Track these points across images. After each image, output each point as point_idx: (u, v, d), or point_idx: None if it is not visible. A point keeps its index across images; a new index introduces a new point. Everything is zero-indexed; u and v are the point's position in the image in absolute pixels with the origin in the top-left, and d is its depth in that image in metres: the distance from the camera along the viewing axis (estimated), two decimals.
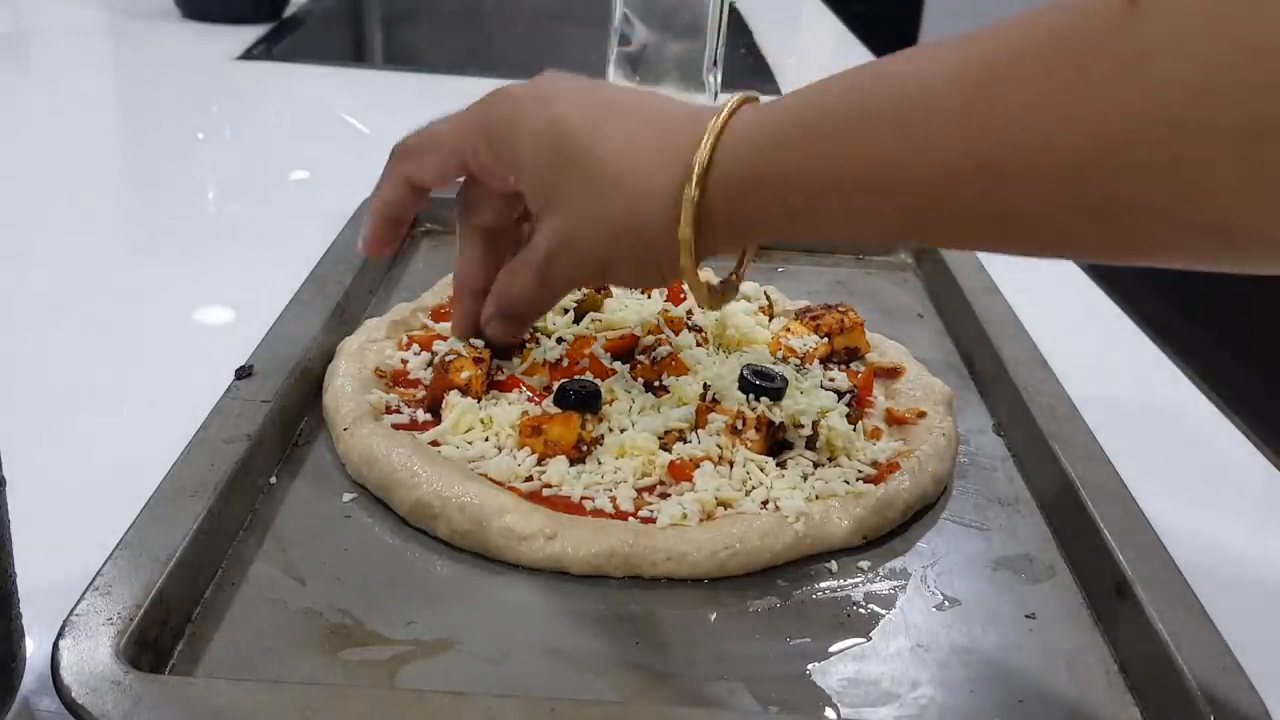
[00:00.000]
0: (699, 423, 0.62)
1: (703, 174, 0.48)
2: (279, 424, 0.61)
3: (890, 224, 0.46)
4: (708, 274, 0.65)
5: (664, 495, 0.58)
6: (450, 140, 0.58)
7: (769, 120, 0.48)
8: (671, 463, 0.59)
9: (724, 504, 0.58)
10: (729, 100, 0.50)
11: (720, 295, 0.57)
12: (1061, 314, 0.87)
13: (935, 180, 0.42)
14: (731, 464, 0.59)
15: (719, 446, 0.60)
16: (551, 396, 0.62)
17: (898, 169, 0.43)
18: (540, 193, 0.54)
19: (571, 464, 0.59)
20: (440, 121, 0.60)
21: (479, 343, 0.66)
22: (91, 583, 0.47)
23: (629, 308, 0.72)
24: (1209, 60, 0.34)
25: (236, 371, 0.63)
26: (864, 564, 0.57)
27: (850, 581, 0.56)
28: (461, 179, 0.61)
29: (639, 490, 0.58)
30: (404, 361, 0.68)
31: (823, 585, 0.56)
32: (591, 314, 0.71)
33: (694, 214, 0.48)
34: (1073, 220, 0.40)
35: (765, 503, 0.58)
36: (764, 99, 0.50)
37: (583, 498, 0.58)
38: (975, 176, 0.41)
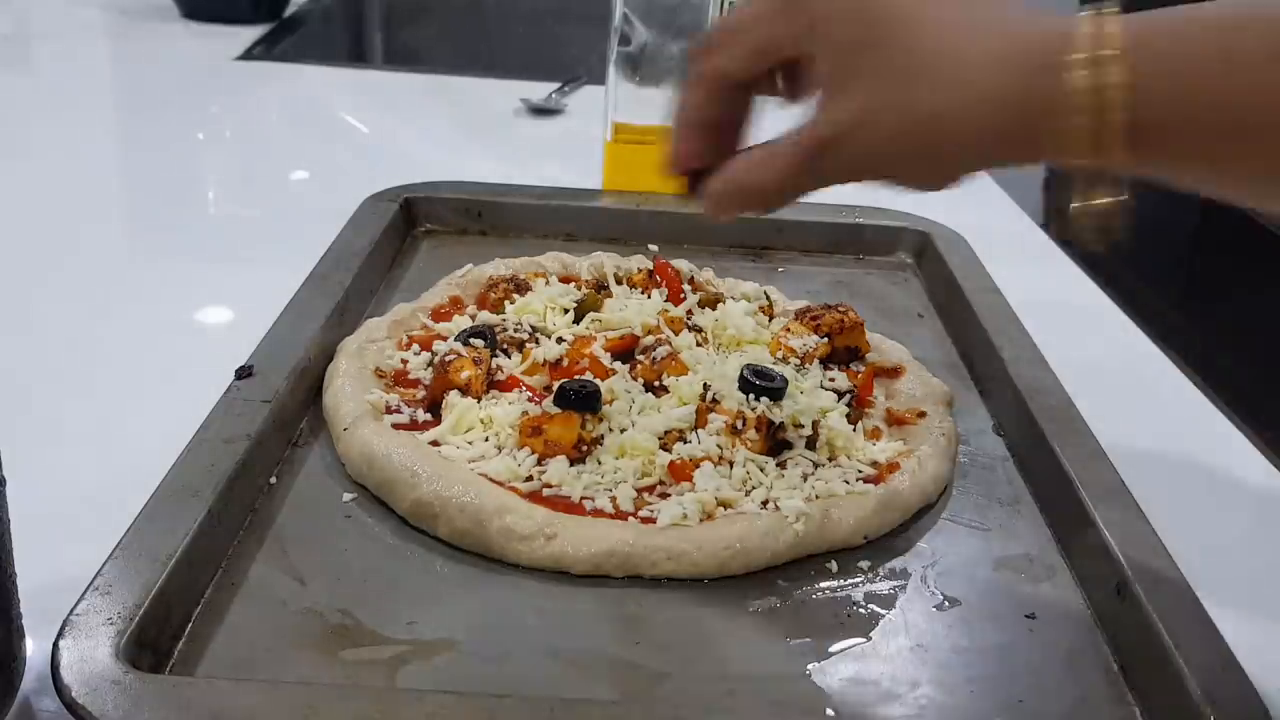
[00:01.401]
0: (699, 423, 0.62)
1: (1102, 70, 0.40)
2: (279, 424, 0.61)
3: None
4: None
5: (664, 495, 0.58)
6: (752, 22, 0.49)
7: (1183, 36, 0.41)
8: (671, 463, 0.59)
9: (724, 504, 0.58)
10: (1101, 7, 0.42)
11: (1100, 228, 0.46)
12: (1061, 314, 0.87)
13: None
14: (731, 464, 0.59)
15: (719, 446, 0.60)
16: (551, 396, 0.62)
17: None
18: (839, 66, 0.46)
19: (571, 464, 0.59)
20: (741, 6, 0.51)
21: (479, 342, 0.66)
22: (91, 583, 0.47)
23: (629, 308, 0.72)
24: None
25: (236, 371, 0.63)
26: (864, 564, 0.57)
27: (850, 581, 0.56)
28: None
29: (639, 490, 0.58)
30: (404, 361, 0.68)
31: (823, 585, 0.56)
32: (591, 314, 0.71)
33: (1098, 102, 0.40)
34: None
35: (765, 503, 0.58)
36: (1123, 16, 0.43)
37: (583, 498, 0.58)
38: None
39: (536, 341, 0.68)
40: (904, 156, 0.46)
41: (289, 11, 1.69)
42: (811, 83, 0.48)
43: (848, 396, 0.66)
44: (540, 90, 1.33)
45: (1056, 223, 0.45)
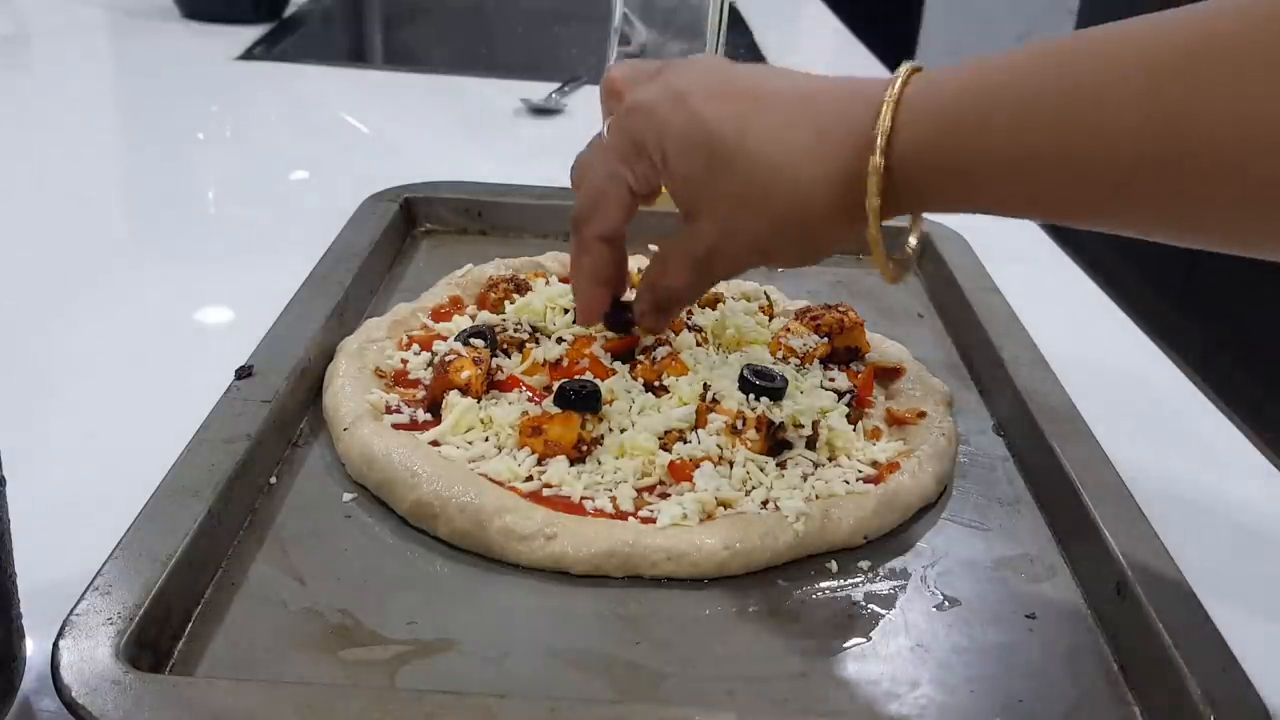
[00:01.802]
0: (699, 423, 0.62)
1: (885, 148, 0.47)
2: (279, 424, 0.61)
3: (1070, 207, 0.46)
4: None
5: (664, 495, 0.58)
6: (609, 180, 0.58)
7: (947, 96, 0.47)
8: (671, 463, 0.59)
9: (724, 504, 0.58)
10: (899, 72, 0.49)
11: (900, 269, 0.54)
12: (1061, 314, 0.87)
13: (1120, 169, 0.42)
14: (731, 464, 0.59)
15: (719, 446, 0.60)
16: (551, 396, 0.62)
17: (1082, 155, 0.42)
18: (692, 195, 0.54)
19: (571, 464, 0.59)
20: (583, 159, 0.60)
21: (479, 342, 0.66)
22: (91, 583, 0.47)
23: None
24: None
25: (236, 371, 0.63)
26: (864, 564, 0.57)
27: (850, 581, 0.56)
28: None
29: (639, 490, 0.58)
30: (404, 361, 0.68)
31: (823, 585, 0.56)
32: None
33: (879, 187, 0.47)
34: (1254, 214, 0.40)
35: (765, 503, 0.58)
36: (932, 71, 0.49)
37: (583, 498, 0.58)
38: (1161, 166, 0.40)
39: (536, 341, 0.68)
40: (772, 248, 0.54)
41: (289, 11, 1.69)
42: (677, 204, 0.56)
43: (848, 396, 0.66)
44: (540, 90, 1.33)
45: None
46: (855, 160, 0.48)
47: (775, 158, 0.50)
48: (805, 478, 0.60)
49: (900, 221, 0.53)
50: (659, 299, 0.61)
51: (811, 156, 0.50)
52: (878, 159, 0.47)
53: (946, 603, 0.55)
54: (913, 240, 0.55)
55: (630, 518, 0.57)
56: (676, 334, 0.69)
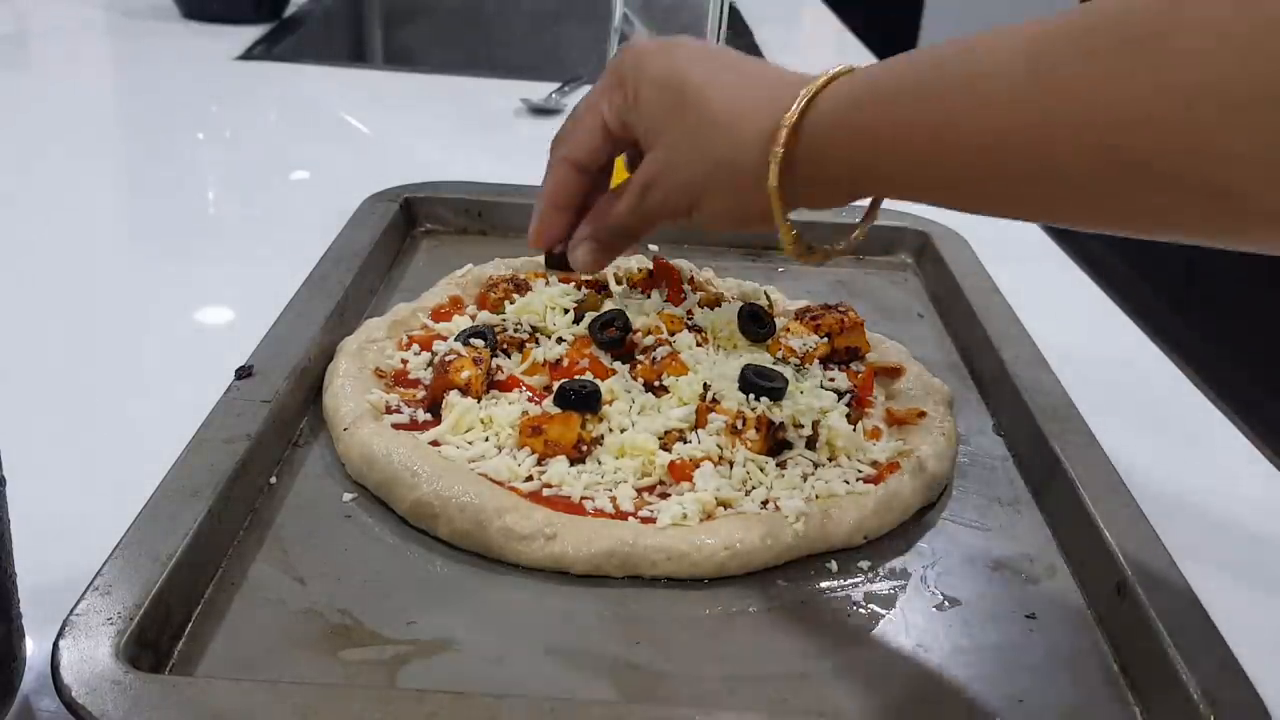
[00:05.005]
0: (699, 423, 0.62)
1: (791, 127, 0.52)
2: (279, 424, 0.61)
3: (947, 185, 0.49)
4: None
5: (664, 495, 0.58)
6: (586, 109, 0.63)
7: (853, 84, 0.52)
8: (671, 463, 0.59)
9: (724, 504, 0.58)
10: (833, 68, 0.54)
11: (811, 253, 0.60)
12: (1061, 314, 0.87)
13: (988, 144, 0.45)
14: (731, 464, 0.59)
15: (719, 446, 0.60)
16: (551, 396, 0.62)
17: (956, 131, 0.46)
18: (652, 129, 0.59)
19: (571, 464, 0.59)
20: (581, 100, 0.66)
21: (479, 342, 0.66)
22: (91, 583, 0.47)
23: (629, 308, 0.72)
24: (1228, 33, 0.37)
25: (236, 371, 0.63)
26: (864, 564, 0.57)
27: (850, 581, 0.56)
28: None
29: (639, 490, 0.58)
30: (404, 361, 0.68)
31: (823, 585, 0.56)
32: (591, 314, 0.71)
33: (780, 162, 0.53)
34: (1108, 188, 0.43)
35: (765, 503, 0.58)
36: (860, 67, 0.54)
37: (583, 498, 0.58)
38: (1024, 142, 0.44)
39: (536, 341, 0.68)
40: (704, 191, 0.58)
41: (289, 11, 1.69)
42: (639, 139, 0.61)
43: (848, 396, 0.66)
44: (540, 90, 1.33)
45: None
46: (776, 122, 0.54)
47: (724, 110, 0.56)
48: (805, 478, 0.60)
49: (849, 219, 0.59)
50: (597, 226, 0.65)
51: (751, 115, 0.55)
52: (781, 138, 0.53)
53: (946, 603, 0.55)
54: (854, 235, 0.62)
55: (630, 518, 0.57)
56: (674, 334, 0.69)
